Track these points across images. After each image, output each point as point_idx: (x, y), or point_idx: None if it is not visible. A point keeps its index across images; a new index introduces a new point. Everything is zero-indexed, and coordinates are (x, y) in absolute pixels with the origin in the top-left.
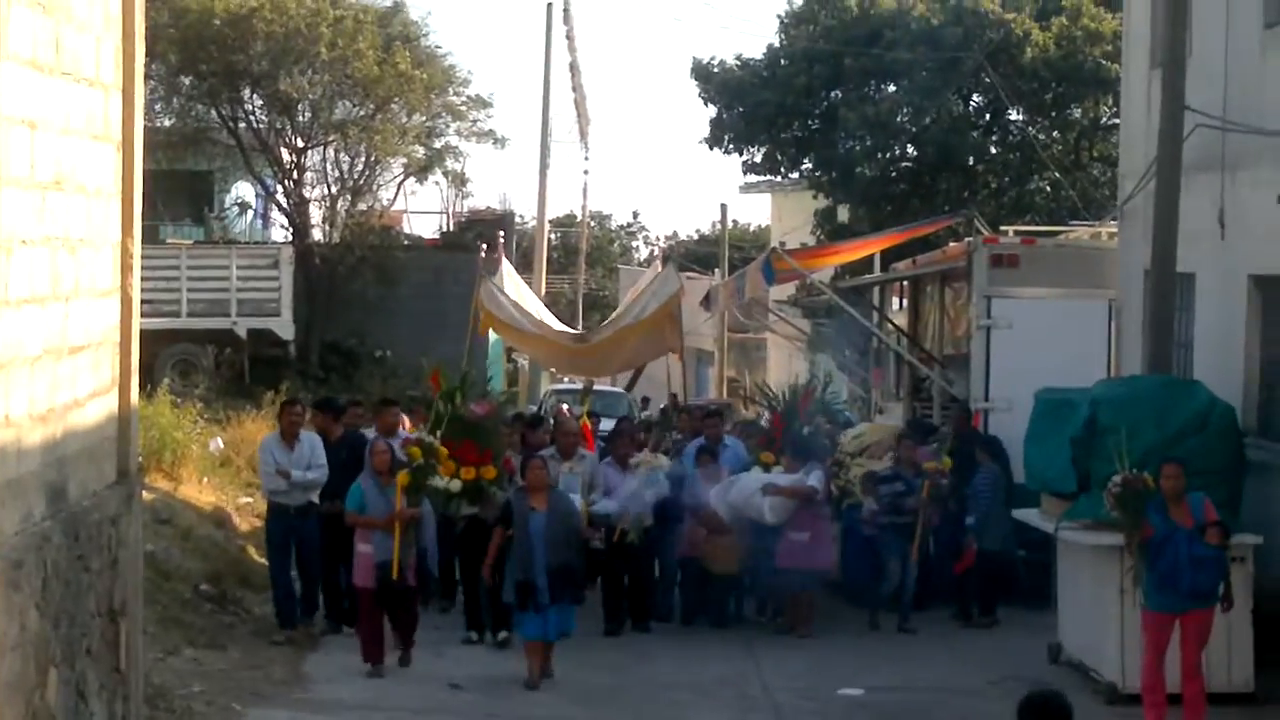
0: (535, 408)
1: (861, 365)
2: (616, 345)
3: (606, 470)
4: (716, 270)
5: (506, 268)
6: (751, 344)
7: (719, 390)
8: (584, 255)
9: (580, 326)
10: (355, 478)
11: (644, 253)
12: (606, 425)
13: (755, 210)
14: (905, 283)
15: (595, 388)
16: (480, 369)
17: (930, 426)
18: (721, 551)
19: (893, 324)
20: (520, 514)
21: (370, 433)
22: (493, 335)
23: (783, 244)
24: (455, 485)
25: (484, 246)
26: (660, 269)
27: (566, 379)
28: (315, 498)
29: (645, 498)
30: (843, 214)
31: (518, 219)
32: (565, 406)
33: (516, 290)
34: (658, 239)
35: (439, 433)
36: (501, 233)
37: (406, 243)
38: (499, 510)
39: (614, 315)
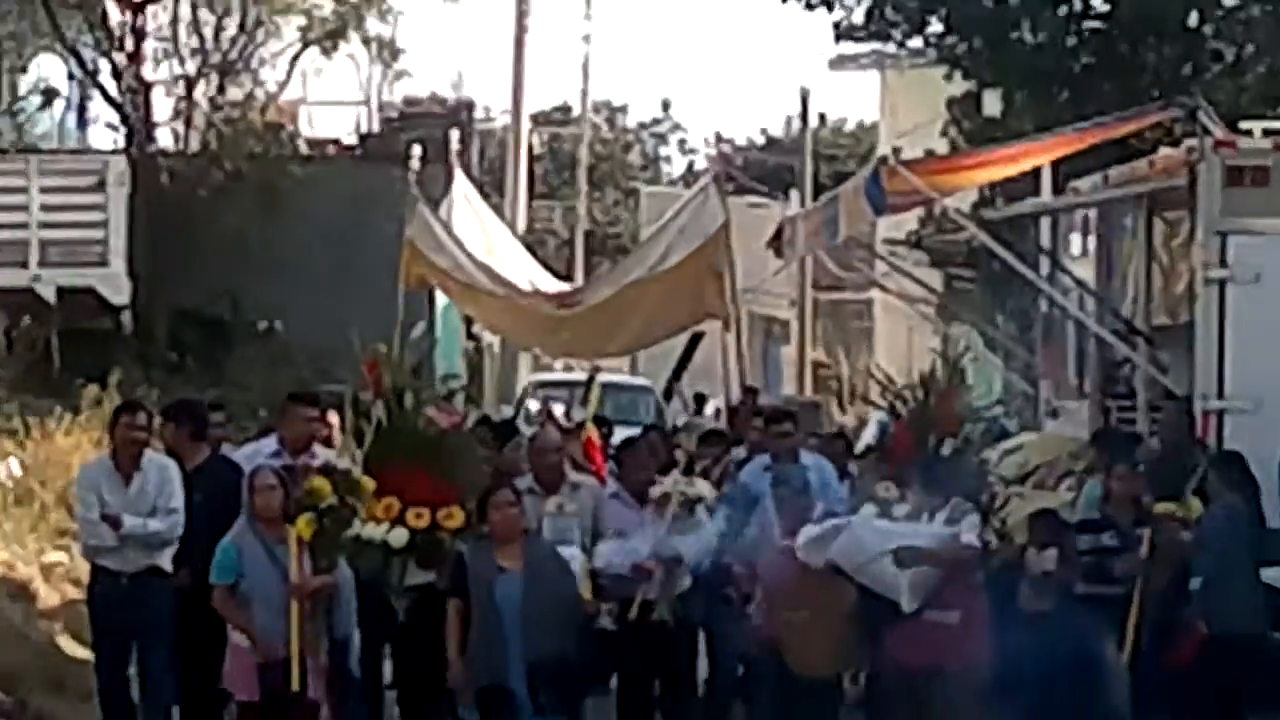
0: (511, 411)
1: (1023, 342)
2: (624, 310)
3: (616, 506)
4: (793, 193)
5: (461, 188)
6: (849, 308)
7: (798, 381)
8: (586, 170)
9: (580, 279)
10: (226, 529)
11: (679, 164)
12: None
13: (854, 99)
14: (1091, 213)
15: (605, 378)
16: (424, 349)
17: (1131, 439)
18: (811, 639)
19: (1072, 277)
20: (481, 577)
21: (249, 453)
22: (442, 296)
23: (897, 151)
24: (398, 537)
25: (419, 154)
26: (707, 187)
27: (557, 364)
28: (165, 560)
29: (680, 548)
30: (991, 103)
31: (481, 114)
32: (559, 408)
33: (474, 223)
34: (706, 143)
35: (365, 455)
36: (456, 135)
37: (307, 152)
38: (453, 577)
39: (621, 264)
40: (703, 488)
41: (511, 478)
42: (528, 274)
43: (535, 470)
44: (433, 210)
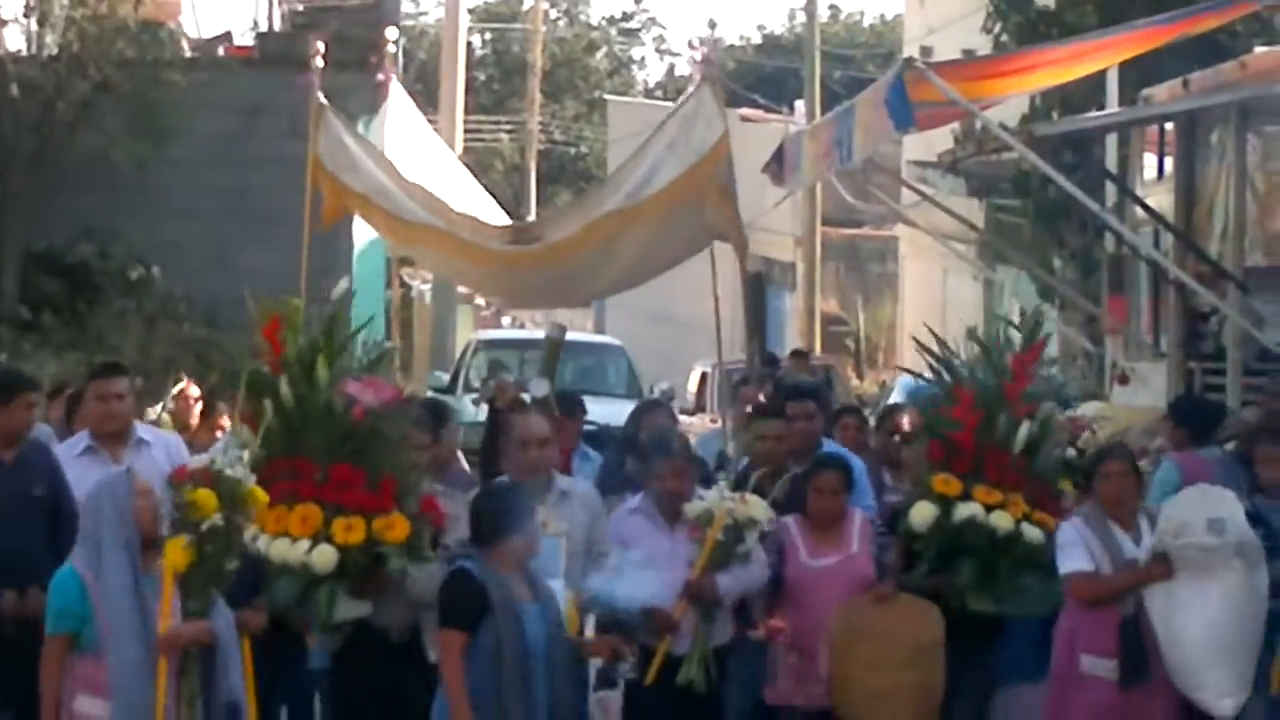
0: (445, 378)
1: (1084, 289)
2: (597, 247)
3: (638, 526)
4: (797, 105)
5: (397, 99)
6: (869, 247)
7: (805, 338)
8: (538, 77)
9: (534, 212)
10: (68, 545)
11: (655, 70)
12: (601, 415)
13: None
14: (1168, 127)
15: (570, 337)
16: (337, 297)
17: (1215, 409)
18: (895, 695)
19: (1145, 207)
20: (507, 607)
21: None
22: (362, 231)
23: (927, 52)
24: (324, 558)
25: (318, 54)
26: (700, 92)
27: (505, 316)
28: None
29: (721, 586)
30: None
31: (409, 9)
32: (508, 378)
33: (416, 149)
34: (690, 45)
35: (261, 449)
36: (392, 32)
37: (191, 55)
38: (461, 601)
39: (590, 191)
40: (757, 508)
41: (445, 469)
42: (476, 206)
43: (514, 470)
44: (351, 128)
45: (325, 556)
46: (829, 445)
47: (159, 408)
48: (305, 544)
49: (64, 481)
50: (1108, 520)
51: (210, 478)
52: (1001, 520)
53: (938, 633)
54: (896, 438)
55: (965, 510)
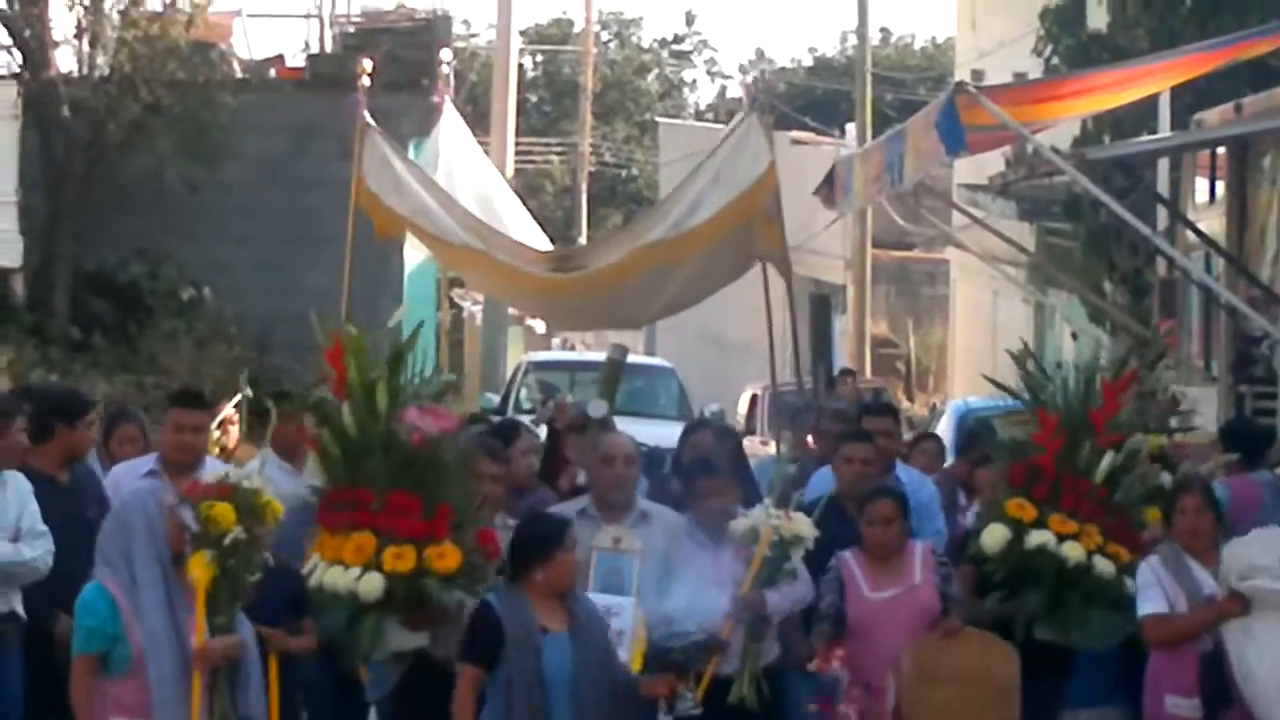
0: (495, 399)
1: (1135, 312)
2: (640, 275)
3: (687, 546)
4: (848, 128)
5: (450, 120)
6: (919, 270)
7: (854, 358)
8: (589, 99)
9: (584, 235)
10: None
11: (706, 93)
12: (651, 438)
13: (925, 9)
14: (1220, 152)
15: (589, 357)
16: (393, 325)
17: (1266, 433)
18: None
19: (1196, 231)
20: (524, 640)
21: (120, 471)
22: (412, 253)
23: (979, 75)
24: (370, 587)
25: (366, 74)
26: (747, 122)
27: (556, 338)
28: (17, 602)
29: (770, 604)
30: (1097, 15)
31: (460, 31)
32: (565, 399)
33: (457, 162)
34: (741, 68)
35: (326, 478)
36: (447, 54)
37: (242, 76)
38: (475, 634)
39: (635, 220)
40: (803, 525)
41: (520, 492)
42: (523, 230)
43: (599, 485)
44: (396, 148)
45: (371, 584)
46: (902, 469)
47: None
48: (355, 572)
49: (108, 503)
50: (1184, 556)
51: (227, 491)
52: (1073, 551)
53: (1013, 672)
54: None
55: (1037, 538)
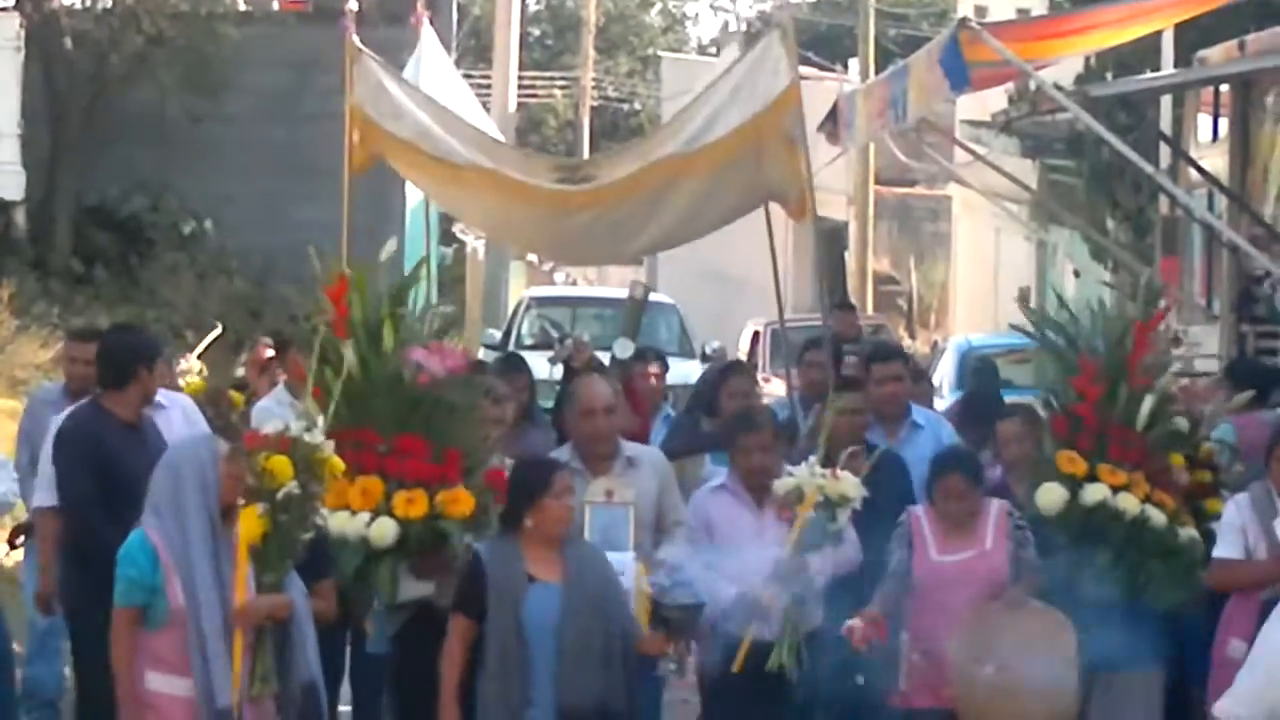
0: (497, 335)
1: (1137, 250)
2: (651, 193)
3: (716, 503)
4: (851, 64)
5: (428, 43)
6: (922, 206)
7: (857, 294)
8: (592, 33)
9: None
10: (132, 510)
11: (709, 27)
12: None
13: None
14: (1224, 89)
15: (619, 295)
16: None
17: (1273, 372)
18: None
19: (1199, 170)
20: (505, 589)
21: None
22: (411, 188)
23: (982, 11)
24: (383, 532)
25: (350, 4)
26: (768, 38)
27: (559, 274)
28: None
29: (812, 573)
30: None
31: None
32: (583, 337)
33: (448, 93)
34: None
35: (330, 418)
36: None
37: (245, 8)
38: (464, 585)
39: (649, 135)
40: (849, 484)
41: (523, 442)
42: (496, 141)
43: (579, 439)
44: (392, 71)
45: (385, 530)
46: (917, 411)
47: (192, 358)
48: (365, 517)
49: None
50: (1275, 499)
51: (286, 444)
52: (1128, 503)
53: (1072, 651)
54: None
55: (1094, 493)
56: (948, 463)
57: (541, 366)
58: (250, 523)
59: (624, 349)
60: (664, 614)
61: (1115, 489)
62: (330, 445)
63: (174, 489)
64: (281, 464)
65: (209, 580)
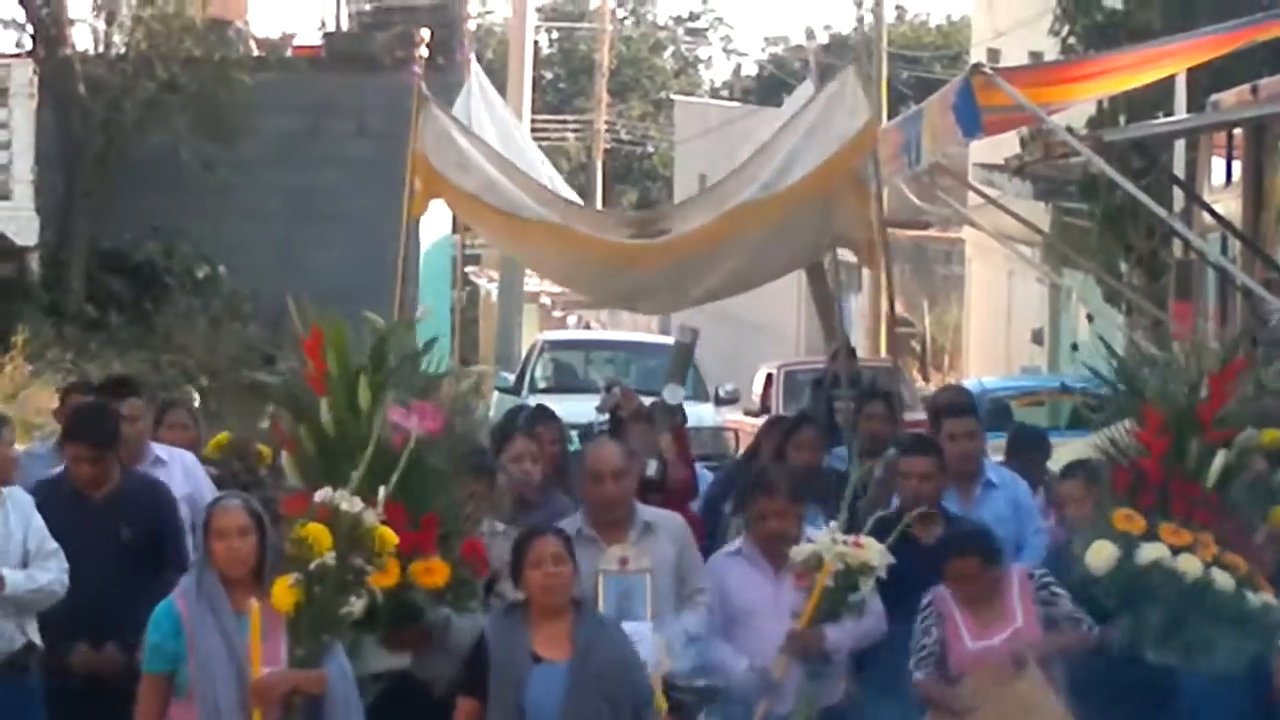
0: (510, 378)
1: (1151, 294)
2: (725, 242)
3: (731, 569)
4: None
5: (479, 82)
6: (935, 249)
7: (871, 337)
8: (605, 76)
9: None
10: (151, 585)
11: (721, 70)
12: None
13: None
14: (1237, 133)
15: (625, 336)
16: (407, 298)
17: None
18: None
19: (1213, 213)
20: (507, 669)
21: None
22: (429, 230)
23: (995, 55)
24: (353, 603)
25: (423, 43)
26: (843, 75)
27: (571, 316)
28: (33, 631)
29: (831, 639)
30: None
31: (475, 11)
32: (629, 385)
33: (498, 129)
34: (774, 49)
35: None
36: (428, 31)
37: (258, 54)
38: (468, 664)
39: (723, 181)
40: (873, 552)
41: (536, 506)
42: (567, 196)
43: (589, 505)
44: (457, 121)
45: (353, 602)
46: (992, 469)
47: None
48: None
49: (169, 524)
50: None
51: (326, 513)
52: (1189, 565)
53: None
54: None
55: (1150, 552)
56: (957, 545)
57: (563, 409)
58: (282, 594)
59: (674, 395)
60: (678, 696)
61: (1176, 549)
62: (373, 515)
63: (197, 554)
64: (319, 532)
65: (218, 651)
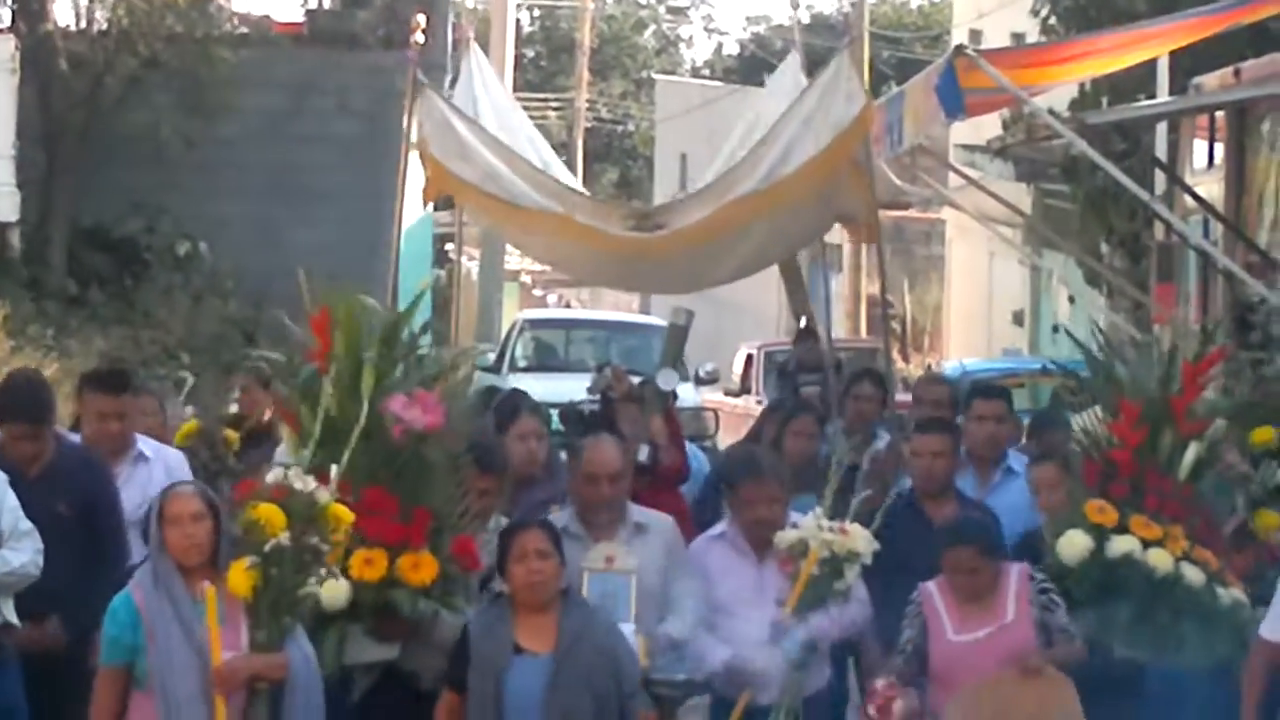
0: (490, 356)
1: (1132, 276)
2: (728, 231)
3: (714, 554)
4: None
5: (477, 61)
6: (915, 230)
7: (852, 320)
8: (586, 55)
9: (579, 188)
10: (107, 569)
11: (703, 49)
12: None
13: None
14: (1219, 116)
15: (612, 317)
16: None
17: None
18: None
19: (1195, 196)
20: (488, 661)
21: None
22: (410, 209)
23: (976, 36)
24: (334, 593)
25: (419, 29)
26: (837, 61)
27: (552, 295)
28: (9, 611)
29: (816, 629)
30: None
31: None
32: (621, 366)
33: (497, 113)
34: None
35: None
36: (422, 15)
37: (240, 30)
38: (453, 657)
39: (722, 175)
40: (860, 538)
41: (525, 491)
42: (570, 183)
43: (580, 503)
44: (455, 108)
45: (335, 592)
46: (1014, 458)
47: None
48: (323, 578)
49: (104, 496)
50: None
51: (281, 493)
52: (1160, 559)
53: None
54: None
55: (1121, 545)
56: (956, 534)
57: (543, 388)
58: (238, 577)
59: (668, 380)
60: (655, 690)
61: (1147, 543)
62: (326, 493)
63: (152, 544)
64: (272, 513)
65: (180, 640)
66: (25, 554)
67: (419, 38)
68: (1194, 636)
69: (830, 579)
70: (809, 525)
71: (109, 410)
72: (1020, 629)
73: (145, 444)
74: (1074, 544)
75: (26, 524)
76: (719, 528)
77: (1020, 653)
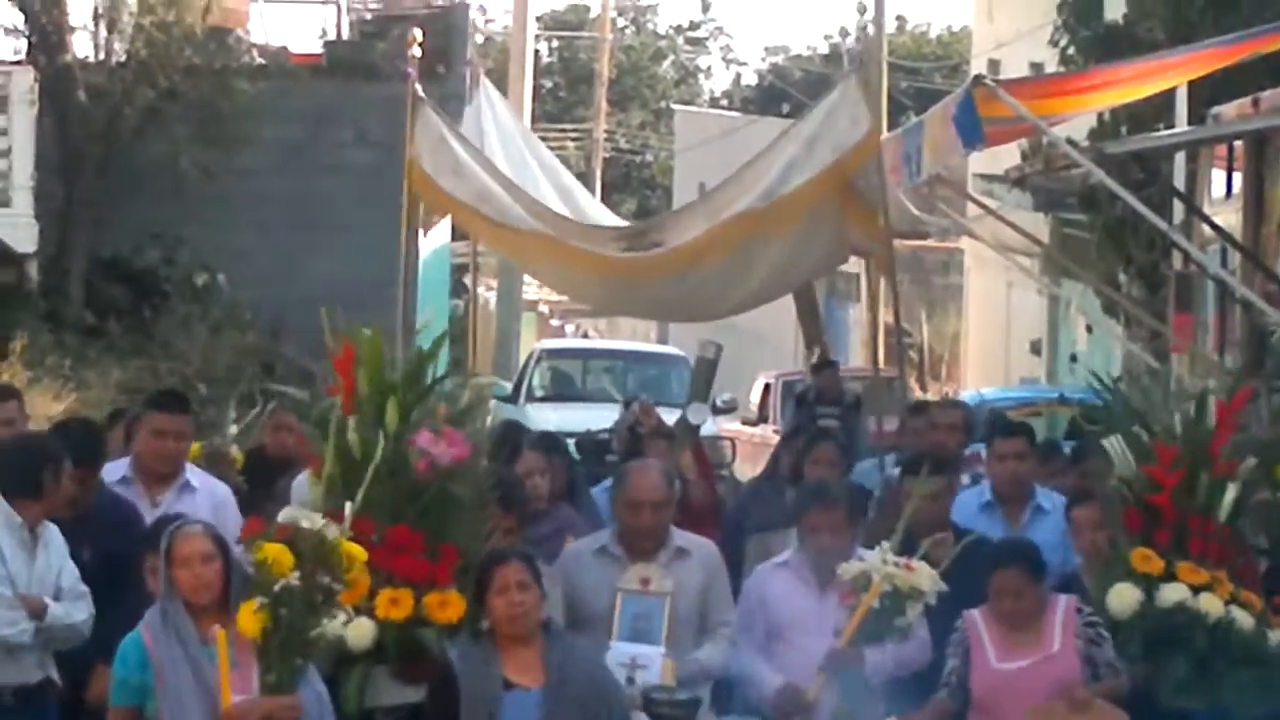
0: (507, 387)
1: (1150, 306)
2: (725, 253)
3: (776, 581)
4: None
5: (489, 93)
6: (933, 259)
7: (869, 349)
8: (605, 86)
9: (602, 211)
10: (113, 609)
11: (721, 79)
12: None
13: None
14: (1237, 145)
15: (623, 345)
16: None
17: None
18: None
19: (1213, 225)
20: (478, 698)
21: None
22: (429, 238)
23: (995, 66)
24: (360, 634)
25: (416, 43)
26: (844, 84)
27: (570, 325)
28: (52, 668)
29: (871, 662)
30: (1114, 6)
31: (477, 18)
32: (649, 400)
33: (503, 138)
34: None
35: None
36: (419, 30)
37: (258, 62)
38: (434, 690)
39: (720, 189)
40: (924, 576)
41: (543, 519)
42: (587, 209)
43: (622, 528)
44: (452, 126)
45: (361, 632)
46: (1043, 495)
47: (230, 429)
48: (343, 615)
49: (126, 553)
50: None
51: (286, 531)
52: (1211, 605)
53: None
54: None
55: (1173, 593)
56: (1003, 556)
57: (560, 418)
58: (247, 618)
59: (698, 414)
60: (657, 709)
61: (1196, 589)
62: (336, 530)
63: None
64: (278, 553)
65: (189, 682)
66: (82, 613)
67: (416, 52)
68: (1247, 681)
69: (891, 614)
70: (874, 559)
71: (167, 429)
72: (1065, 660)
73: (194, 474)
74: (1124, 597)
75: (83, 587)
76: (784, 555)
77: (1066, 685)
